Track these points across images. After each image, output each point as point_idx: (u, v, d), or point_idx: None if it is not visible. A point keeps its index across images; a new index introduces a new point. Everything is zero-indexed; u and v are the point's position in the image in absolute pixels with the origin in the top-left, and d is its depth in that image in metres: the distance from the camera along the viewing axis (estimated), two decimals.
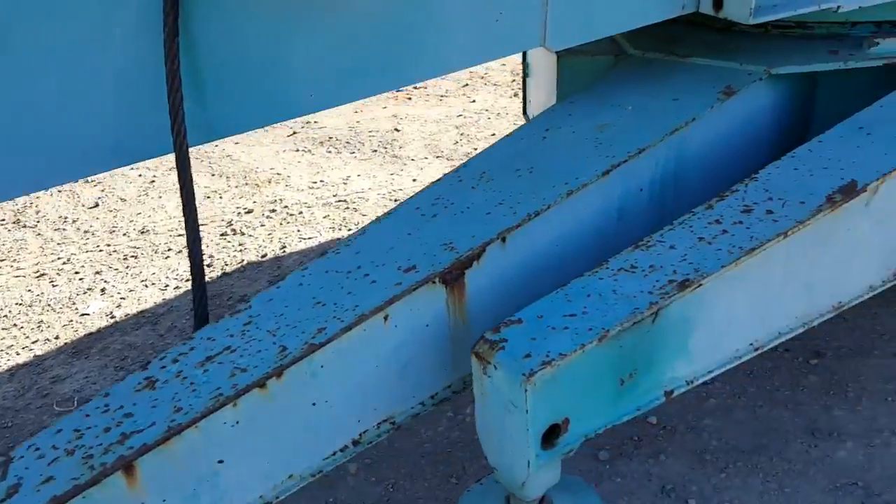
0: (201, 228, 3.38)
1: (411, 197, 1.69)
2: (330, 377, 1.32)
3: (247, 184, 3.80)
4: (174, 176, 4.07)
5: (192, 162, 4.17)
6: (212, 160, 4.12)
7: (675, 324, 1.45)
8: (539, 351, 1.28)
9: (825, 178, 1.66)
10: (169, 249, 3.25)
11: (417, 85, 5.04)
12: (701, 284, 1.42)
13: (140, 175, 4.00)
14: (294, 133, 4.40)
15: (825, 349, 2.29)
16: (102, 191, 3.85)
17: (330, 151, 4.12)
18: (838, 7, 1.92)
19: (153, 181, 3.93)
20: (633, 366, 1.42)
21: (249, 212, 3.51)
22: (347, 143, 4.21)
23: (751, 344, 1.63)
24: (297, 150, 4.16)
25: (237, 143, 4.31)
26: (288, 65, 1.63)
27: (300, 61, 1.63)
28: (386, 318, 1.37)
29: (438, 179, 1.77)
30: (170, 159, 4.22)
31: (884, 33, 2.11)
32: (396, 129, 4.34)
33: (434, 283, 1.43)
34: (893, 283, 1.88)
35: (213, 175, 3.94)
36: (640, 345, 1.41)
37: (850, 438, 1.98)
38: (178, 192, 1.58)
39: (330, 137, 4.29)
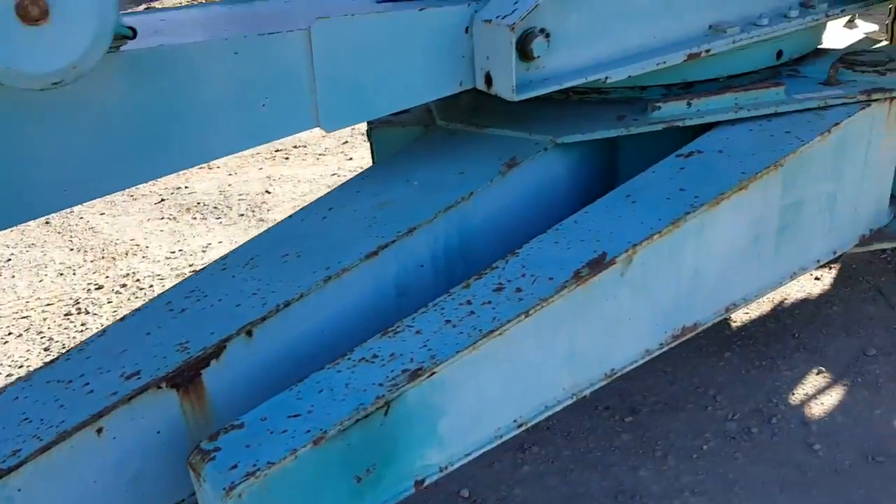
0: (46, 309, 3.30)
1: (168, 289, 1.66)
2: (31, 499, 1.27)
3: (103, 257, 3.71)
4: (33, 252, 4.00)
5: (53, 236, 4.06)
6: (73, 233, 4.02)
7: (416, 412, 1.44)
8: (248, 461, 1.25)
9: (579, 252, 1.68)
10: (9, 333, 3.14)
11: (297, 143, 5.03)
12: (434, 372, 1.41)
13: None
14: (162, 200, 4.33)
15: (642, 405, 2.31)
16: None
17: (195, 218, 4.06)
18: (606, 78, 1.98)
19: (10, 259, 3.80)
20: (370, 461, 1.40)
21: (99, 288, 3.41)
22: (215, 207, 4.16)
23: (514, 421, 1.62)
24: (162, 219, 4.09)
25: (103, 213, 4.22)
26: (33, 163, 1.59)
27: (47, 158, 1.59)
28: (100, 430, 1.32)
29: (203, 268, 1.74)
30: (32, 235, 4.08)
31: (672, 96, 2.17)
32: (267, 192, 4.31)
33: (160, 387, 1.39)
34: (674, 344, 1.92)
35: (71, 249, 3.83)
36: (373, 439, 1.39)
37: (651, 500, 1.99)
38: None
39: (198, 203, 4.23)
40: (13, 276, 3.63)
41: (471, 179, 1.97)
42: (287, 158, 4.83)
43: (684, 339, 1.94)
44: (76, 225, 4.10)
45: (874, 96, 2.10)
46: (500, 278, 1.63)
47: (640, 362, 1.85)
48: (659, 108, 2.11)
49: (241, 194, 4.32)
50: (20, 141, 1.55)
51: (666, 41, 2.08)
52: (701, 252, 1.86)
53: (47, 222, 4.17)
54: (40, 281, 3.55)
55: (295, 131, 1.87)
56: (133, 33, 1.51)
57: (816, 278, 2.83)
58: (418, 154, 2.18)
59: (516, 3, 1.82)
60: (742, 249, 1.96)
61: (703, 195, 1.82)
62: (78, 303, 3.30)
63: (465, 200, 1.90)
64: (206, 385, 1.45)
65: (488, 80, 1.91)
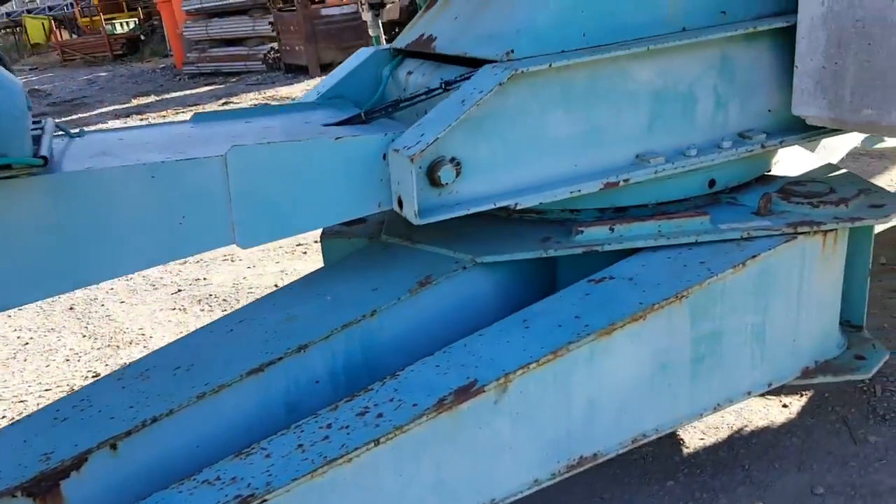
0: (44, 394, 3.48)
1: (63, 397, 1.76)
2: None
3: (109, 345, 3.90)
4: (49, 337, 4.24)
5: (73, 321, 4.28)
6: (91, 319, 4.25)
7: None
8: None
9: (453, 377, 1.71)
10: (2, 417, 3.32)
11: (317, 238, 5.21)
12: (265, 500, 1.44)
13: (18, 336, 4.13)
14: (179, 291, 4.54)
15: None
16: None
17: (203, 310, 4.24)
18: (515, 204, 2.03)
19: (27, 343, 4.05)
20: None
21: (96, 376, 3.58)
22: (224, 300, 4.33)
23: None
24: (174, 309, 4.29)
25: (123, 301, 4.46)
26: None
27: None
28: None
29: (102, 377, 1.84)
30: (54, 320, 4.30)
31: (596, 221, 2.20)
32: (276, 286, 4.47)
33: (16, 496, 1.47)
34: (569, 474, 1.89)
35: (83, 336, 4.05)
36: None
37: None
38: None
39: (210, 295, 4.42)
40: (25, 360, 3.85)
41: (381, 296, 2.03)
42: (305, 253, 5.01)
43: (585, 467, 1.91)
44: (95, 311, 4.33)
45: (800, 229, 2.08)
46: (368, 401, 1.67)
47: (529, 492, 1.83)
48: (582, 232, 2.14)
49: (251, 288, 4.49)
50: None
51: (587, 169, 2.12)
52: (594, 382, 1.85)
53: (72, 308, 4.43)
54: (47, 366, 3.75)
55: (213, 247, 1.99)
56: (45, 162, 1.68)
57: (784, 405, 2.72)
58: (345, 268, 2.27)
59: (422, 135, 1.91)
60: (647, 380, 1.94)
61: (595, 324, 1.83)
62: (73, 389, 3.47)
63: (368, 318, 1.96)
64: (65, 496, 1.52)
65: (399, 203, 2.00)
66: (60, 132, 2.21)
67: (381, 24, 3.15)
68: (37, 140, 1.79)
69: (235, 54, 15.44)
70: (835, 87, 2.04)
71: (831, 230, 2.11)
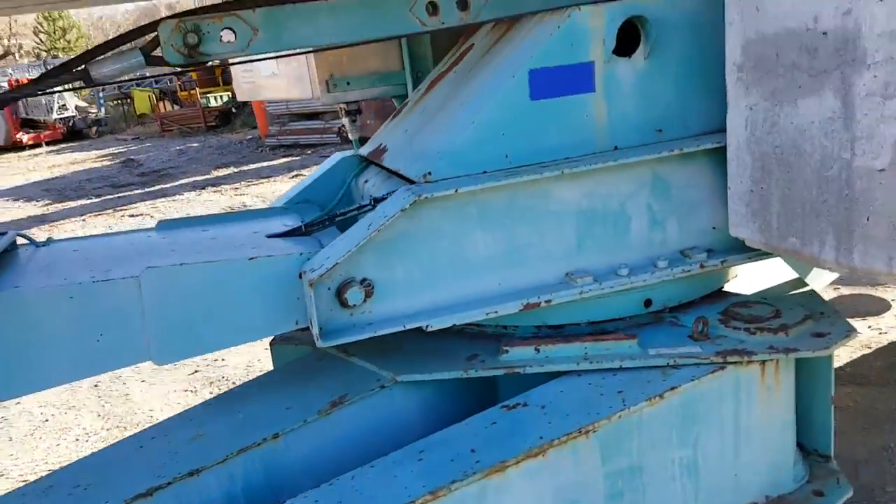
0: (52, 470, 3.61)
1: None
2: None
3: (118, 426, 4.03)
4: (68, 416, 4.41)
5: (93, 400, 4.46)
6: (109, 398, 4.41)
7: None
8: None
9: None
10: None
11: None
12: None
13: (41, 412, 4.33)
14: (195, 371, 4.67)
15: None
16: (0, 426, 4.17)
17: (212, 392, 4.33)
18: (427, 326, 2.01)
19: (47, 420, 4.23)
20: None
21: None
22: (234, 383, 4.42)
23: None
24: (186, 391, 4.40)
25: (143, 381, 4.61)
26: None
27: None
28: None
29: (7, 493, 1.90)
30: (77, 398, 4.48)
31: (527, 340, 2.15)
32: None
33: None
34: None
35: (98, 415, 4.21)
36: None
37: None
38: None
39: (222, 377, 4.53)
40: (40, 438, 4.02)
41: (290, 417, 2.03)
42: None
43: None
44: (116, 390, 4.50)
45: (730, 359, 1.97)
46: None
47: None
48: (507, 351, 2.10)
49: (262, 371, 4.57)
50: None
51: (511, 288, 2.09)
52: None
53: (96, 385, 4.61)
54: (58, 445, 3.91)
55: (130, 363, 2.05)
56: None
57: None
58: (271, 381, 2.29)
59: (327, 258, 1.94)
60: None
61: (487, 460, 1.77)
62: None
63: (271, 441, 1.96)
64: None
65: (311, 322, 2.01)
66: (27, 242, 2.38)
67: (358, 128, 3.23)
68: None
69: (312, 127, 16.09)
70: (763, 212, 1.95)
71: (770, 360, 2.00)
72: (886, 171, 1.61)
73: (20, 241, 2.37)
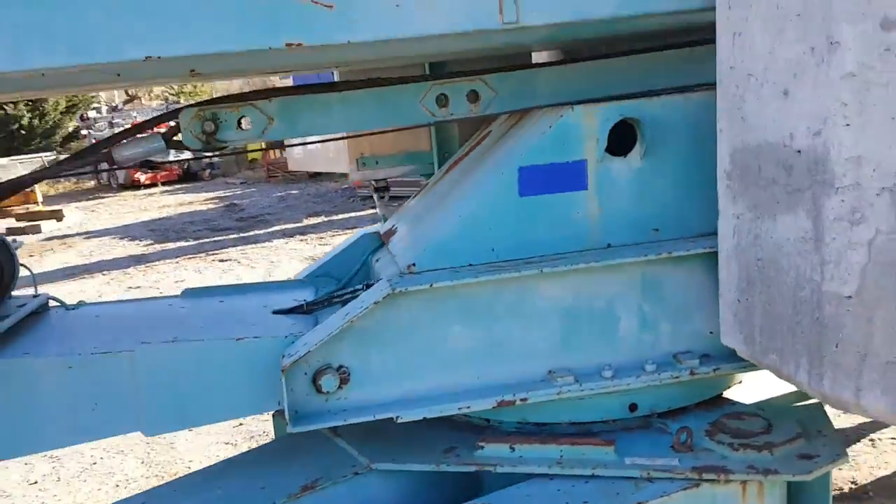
0: None
1: None
2: None
3: (157, 475, 4.19)
4: (114, 461, 4.59)
5: (140, 446, 4.63)
6: (155, 447, 4.59)
7: None
8: None
9: None
10: None
11: None
12: None
13: (91, 455, 4.55)
14: (240, 424, 4.80)
15: None
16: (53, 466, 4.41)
17: (250, 447, 4.44)
18: (397, 417, 2.01)
19: (95, 464, 4.43)
20: None
21: None
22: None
23: None
24: (228, 443, 4.53)
25: (191, 429, 4.78)
26: None
27: None
28: None
29: None
30: (126, 443, 4.68)
31: (503, 437, 2.13)
32: None
33: None
34: None
35: (141, 463, 4.38)
36: None
37: None
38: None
39: (263, 433, 4.63)
40: (84, 481, 4.22)
41: (263, 497, 2.07)
42: None
43: None
44: (163, 438, 4.68)
45: (706, 475, 1.89)
46: None
47: None
48: (482, 447, 2.09)
49: None
50: None
51: (490, 383, 2.08)
52: None
53: None
54: (98, 489, 4.09)
55: (122, 433, 2.15)
56: None
57: None
58: (258, 456, 2.34)
59: (304, 344, 1.99)
60: None
61: None
62: None
63: None
64: None
65: (283, 406, 2.06)
66: (57, 304, 2.56)
67: (386, 204, 3.31)
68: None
69: (400, 179, 16.43)
70: (748, 324, 1.88)
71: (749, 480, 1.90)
72: (853, 299, 1.53)
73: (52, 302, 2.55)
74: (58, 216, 17.69)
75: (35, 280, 2.58)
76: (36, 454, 4.05)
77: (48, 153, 21.64)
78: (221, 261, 10.92)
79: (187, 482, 2.26)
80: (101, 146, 2.29)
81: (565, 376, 2.06)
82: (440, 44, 1.96)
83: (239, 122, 2.21)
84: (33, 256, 13.09)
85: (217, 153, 2.34)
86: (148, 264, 11.31)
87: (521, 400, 2.04)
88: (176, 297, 2.73)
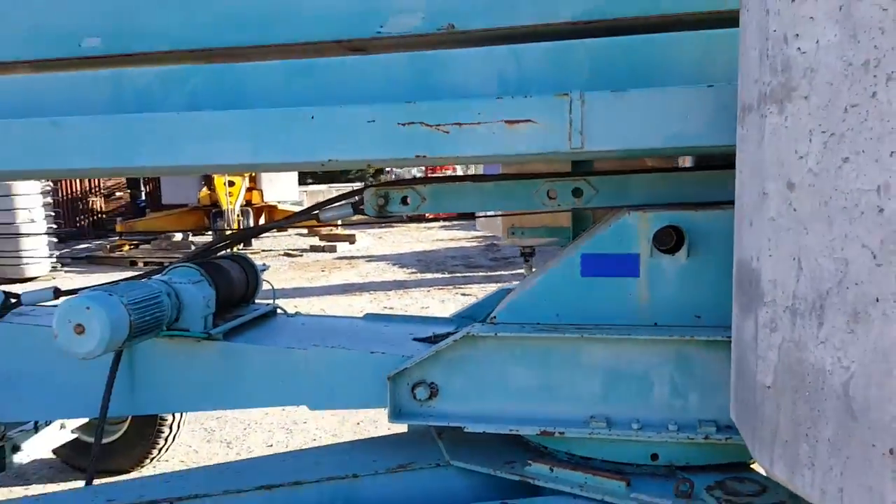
0: None
1: None
2: None
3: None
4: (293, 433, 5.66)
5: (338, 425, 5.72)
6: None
7: None
8: None
9: None
10: None
11: None
12: None
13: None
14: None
15: None
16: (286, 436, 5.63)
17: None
18: (465, 427, 2.71)
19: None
20: None
21: None
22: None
23: None
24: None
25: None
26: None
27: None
28: None
29: None
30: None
31: (545, 459, 2.72)
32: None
33: None
34: None
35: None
36: None
37: None
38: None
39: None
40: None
41: (373, 466, 2.88)
42: None
43: None
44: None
45: None
46: None
47: None
48: (530, 465, 2.71)
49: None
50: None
51: (539, 415, 2.70)
52: None
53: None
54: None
55: (297, 404, 3.10)
56: (207, 336, 3.02)
57: None
58: (381, 440, 3.15)
59: (409, 362, 2.78)
60: None
61: None
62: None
63: (351, 479, 2.82)
64: None
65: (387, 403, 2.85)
66: (281, 312, 3.63)
67: (531, 267, 3.98)
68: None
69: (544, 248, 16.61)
70: (736, 401, 2.31)
71: None
72: (771, 389, 1.96)
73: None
74: (351, 239, 20.46)
75: (274, 293, 3.68)
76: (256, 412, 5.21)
77: (359, 182, 24.57)
78: (464, 294, 12.11)
79: (325, 450, 3.15)
80: (312, 209, 3.30)
81: (600, 421, 2.61)
82: (526, 158, 2.66)
83: (403, 199, 3.07)
84: (324, 272, 15.39)
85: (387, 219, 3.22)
86: (405, 289, 12.86)
87: (560, 433, 2.63)
88: (360, 318, 3.68)
